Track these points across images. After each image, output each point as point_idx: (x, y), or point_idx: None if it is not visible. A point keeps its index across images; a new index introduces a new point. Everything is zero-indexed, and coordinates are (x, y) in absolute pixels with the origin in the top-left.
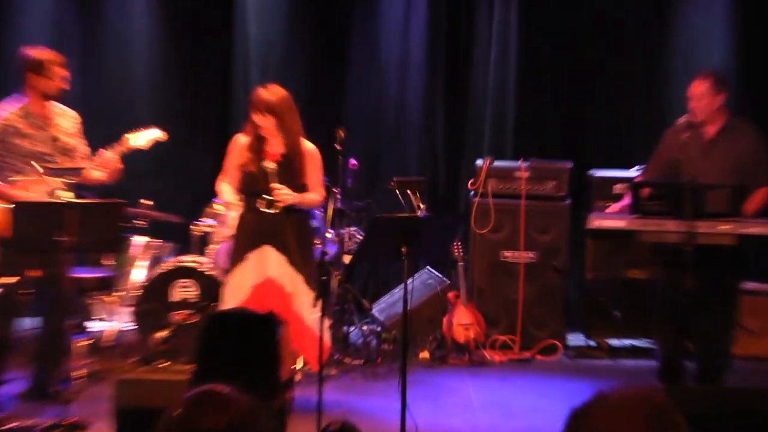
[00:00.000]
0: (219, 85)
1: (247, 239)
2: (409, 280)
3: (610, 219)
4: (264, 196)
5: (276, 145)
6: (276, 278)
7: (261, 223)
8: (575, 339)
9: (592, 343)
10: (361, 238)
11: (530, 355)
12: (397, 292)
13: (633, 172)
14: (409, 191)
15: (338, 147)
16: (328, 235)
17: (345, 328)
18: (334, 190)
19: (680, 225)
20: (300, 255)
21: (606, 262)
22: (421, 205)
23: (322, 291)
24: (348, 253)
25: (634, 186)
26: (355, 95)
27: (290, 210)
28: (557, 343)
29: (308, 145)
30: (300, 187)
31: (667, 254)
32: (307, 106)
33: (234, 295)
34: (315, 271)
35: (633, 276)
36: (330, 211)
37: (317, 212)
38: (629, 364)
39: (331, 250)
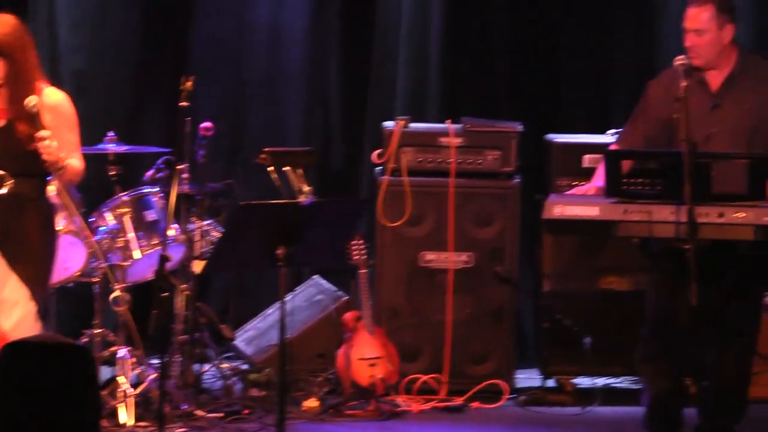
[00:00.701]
0: None
1: None
2: (289, 296)
3: (575, 205)
4: None
5: (3, 98)
6: None
7: None
8: (527, 378)
9: (551, 383)
10: (218, 235)
11: (463, 401)
12: (271, 315)
13: (608, 138)
14: (287, 168)
15: (184, 104)
16: (171, 233)
17: (196, 366)
18: (178, 166)
19: (677, 213)
20: (36, 265)
21: (571, 267)
22: (306, 188)
23: (161, 314)
24: (200, 257)
25: (610, 157)
26: (207, 30)
27: (30, 192)
28: (502, 384)
29: (52, 96)
30: (37, 158)
31: (659, 255)
32: (136, 45)
33: None
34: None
35: (610, 287)
36: (173, 198)
37: (154, 200)
38: (604, 413)
39: (176, 253)
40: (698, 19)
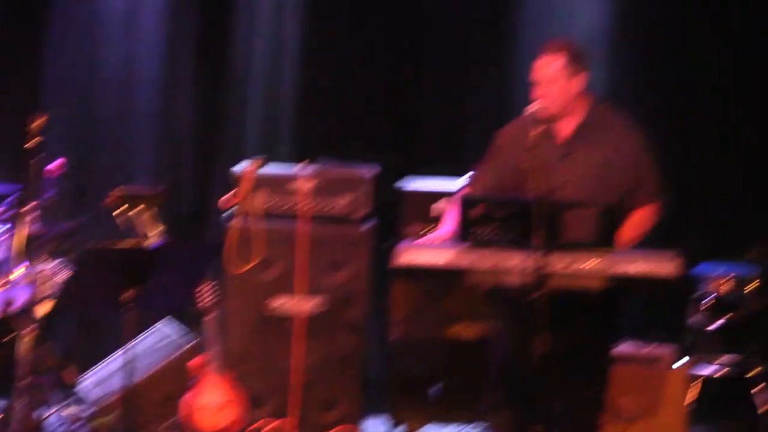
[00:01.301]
0: None
1: None
2: (137, 339)
3: (424, 251)
4: None
5: None
6: None
7: None
8: (376, 425)
9: (400, 430)
10: (66, 276)
11: None
12: (118, 358)
13: (462, 184)
14: (137, 208)
15: (33, 142)
16: (18, 273)
17: (38, 411)
18: (26, 205)
19: (526, 260)
20: None
21: (420, 314)
22: (156, 229)
23: (3, 357)
24: (47, 298)
25: (462, 203)
26: (57, 67)
27: None
28: (350, 430)
29: None
30: None
31: (507, 303)
32: None
33: None
34: None
35: (457, 335)
36: (21, 237)
37: (0, 239)
38: None
39: (21, 294)
40: (548, 68)
